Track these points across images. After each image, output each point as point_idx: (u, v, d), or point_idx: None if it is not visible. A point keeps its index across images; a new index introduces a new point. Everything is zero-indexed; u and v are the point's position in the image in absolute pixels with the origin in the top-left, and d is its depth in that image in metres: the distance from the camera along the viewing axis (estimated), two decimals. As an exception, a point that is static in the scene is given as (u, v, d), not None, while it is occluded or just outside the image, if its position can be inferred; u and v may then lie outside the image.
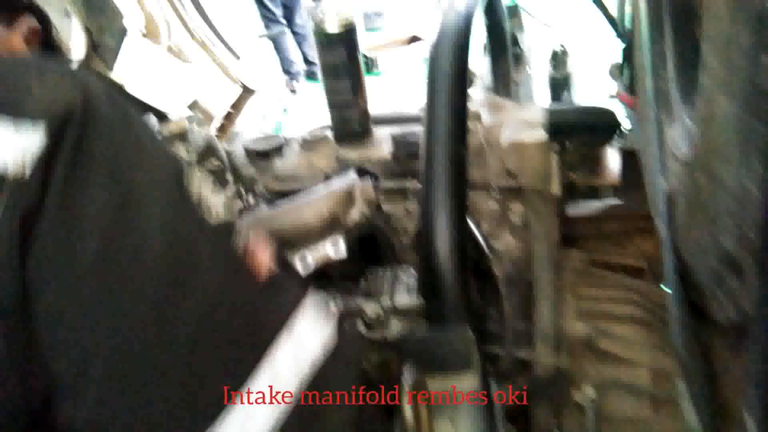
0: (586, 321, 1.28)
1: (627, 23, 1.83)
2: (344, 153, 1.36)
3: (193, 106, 2.57)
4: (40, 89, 0.55)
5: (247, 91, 2.75)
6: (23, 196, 0.52)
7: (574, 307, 1.30)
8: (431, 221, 0.97)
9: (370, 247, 1.31)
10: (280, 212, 1.18)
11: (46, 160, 0.53)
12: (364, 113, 1.36)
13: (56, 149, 0.53)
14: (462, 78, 1.08)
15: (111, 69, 2.10)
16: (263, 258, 0.68)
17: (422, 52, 6.83)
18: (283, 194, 1.41)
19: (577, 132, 1.55)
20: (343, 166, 1.36)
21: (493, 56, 1.72)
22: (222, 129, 2.81)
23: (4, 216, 0.50)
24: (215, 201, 0.69)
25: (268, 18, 5.65)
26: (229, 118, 2.81)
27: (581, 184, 1.65)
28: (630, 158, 1.57)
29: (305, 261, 1.12)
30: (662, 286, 1.52)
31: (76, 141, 0.55)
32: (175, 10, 2.46)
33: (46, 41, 0.96)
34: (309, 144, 1.40)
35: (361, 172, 1.26)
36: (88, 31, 2.01)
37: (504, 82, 1.79)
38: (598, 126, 1.50)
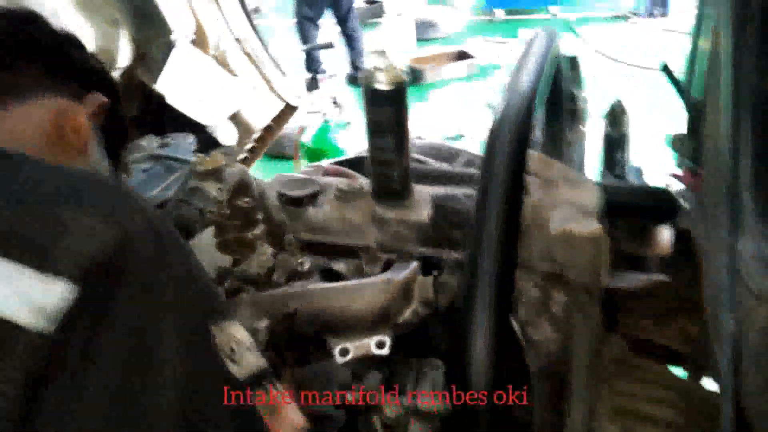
0: (621, 420, 1.19)
1: (696, 92, 1.72)
2: (381, 211, 1.29)
3: (235, 117, 2.54)
4: (73, 235, 0.50)
5: (289, 108, 2.71)
6: (40, 352, 0.47)
7: (609, 404, 1.20)
8: (472, 318, 0.90)
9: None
10: (331, 291, 1.10)
11: (69, 317, 0.48)
12: (406, 172, 1.29)
13: (81, 307, 0.49)
14: (519, 173, 1.01)
15: (155, 80, 2.08)
16: (293, 417, 0.63)
17: (470, 69, 6.73)
18: (313, 245, 1.35)
19: (632, 215, 1.46)
20: (378, 223, 1.29)
21: (548, 114, 1.63)
22: (261, 141, 2.78)
23: (14, 371, 0.45)
24: (248, 343, 0.63)
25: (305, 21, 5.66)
26: (269, 131, 2.77)
27: (628, 252, 1.55)
28: (683, 235, 1.47)
29: (345, 355, 1.04)
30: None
31: (104, 297, 0.51)
32: (227, 21, 2.43)
33: (113, 115, 0.92)
34: (345, 196, 1.34)
35: (427, 264, 1.17)
36: (135, 42, 1.99)
37: (556, 142, 1.70)
38: (654, 209, 1.41)
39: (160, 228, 0.59)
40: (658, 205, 1.38)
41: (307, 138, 3.82)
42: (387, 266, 1.21)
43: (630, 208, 1.36)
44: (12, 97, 0.76)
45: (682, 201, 1.43)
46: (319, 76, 5.02)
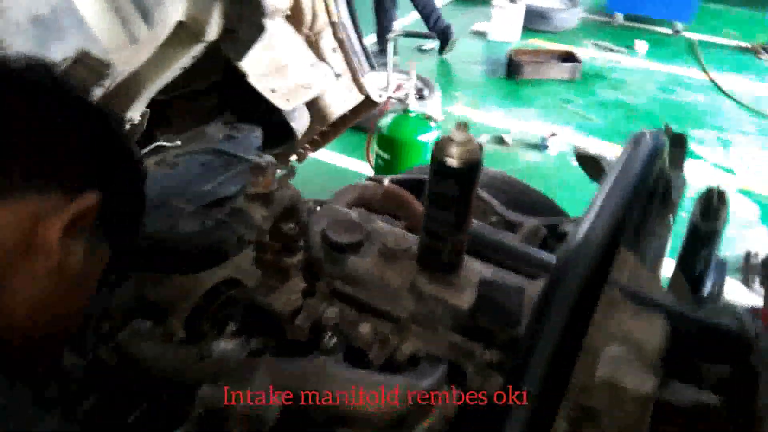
0: None
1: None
2: (421, 283, 1.20)
3: (312, 102, 2.47)
4: None
5: (370, 102, 2.62)
6: None
7: None
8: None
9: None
10: (350, 384, 1.01)
11: None
12: (458, 250, 1.19)
13: None
14: (578, 335, 0.89)
15: (240, 59, 2.03)
16: None
17: (572, 74, 6.38)
18: (344, 296, 1.28)
19: (694, 354, 1.31)
20: (415, 295, 1.20)
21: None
22: (334, 127, 2.70)
23: None
24: None
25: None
26: (344, 120, 2.69)
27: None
28: (749, 370, 1.32)
29: None
30: None
31: None
32: (326, 2, 2.33)
33: (108, 215, 0.75)
34: (389, 253, 1.25)
35: (453, 368, 1.07)
36: (227, 16, 1.93)
37: (636, 232, 1.54)
38: (722, 354, 1.25)
39: None
40: (727, 349, 1.22)
41: (384, 124, 3.71)
42: (413, 360, 1.13)
43: (696, 348, 1.21)
44: None
45: (756, 343, 1.27)
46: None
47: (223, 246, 1.18)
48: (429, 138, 3.64)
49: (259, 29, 1.90)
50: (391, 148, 3.65)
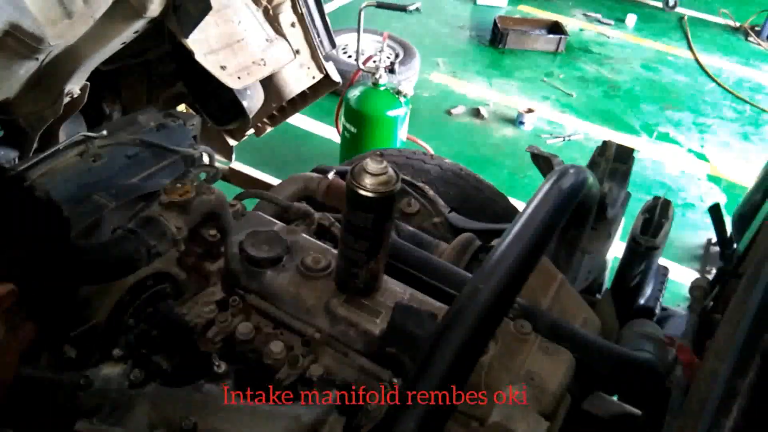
0: None
1: (740, 248, 1.51)
2: (335, 305, 1.18)
3: (269, 79, 2.39)
4: None
5: (328, 81, 2.54)
6: None
7: None
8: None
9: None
10: (236, 415, 1.02)
11: None
12: (373, 276, 1.17)
13: None
14: (481, 344, 0.89)
15: (186, 36, 1.94)
16: None
17: (558, 47, 6.26)
18: (259, 311, 1.26)
19: (606, 389, 1.32)
20: (330, 315, 1.18)
21: (567, 222, 1.45)
22: (292, 104, 2.63)
23: None
24: None
25: None
26: (303, 98, 2.62)
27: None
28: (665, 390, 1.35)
29: None
30: None
31: None
32: (286, -26, 2.23)
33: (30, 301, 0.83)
34: (308, 272, 1.23)
35: (344, 392, 1.06)
36: (171, -7, 1.83)
37: (569, 250, 1.53)
38: (632, 387, 1.27)
39: None
40: (639, 383, 1.24)
41: (352, 95, 3.63)
42: (307, 382, 1.12)
43: (608, 383, 1.22)
44: None
45: (668, 381, 1.29)
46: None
47: (129, 259, 1.14)
48: (397, 113, 3.56)
49: (206, 7, 1.81)
50: (357, 122, 3.58)
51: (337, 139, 4.20)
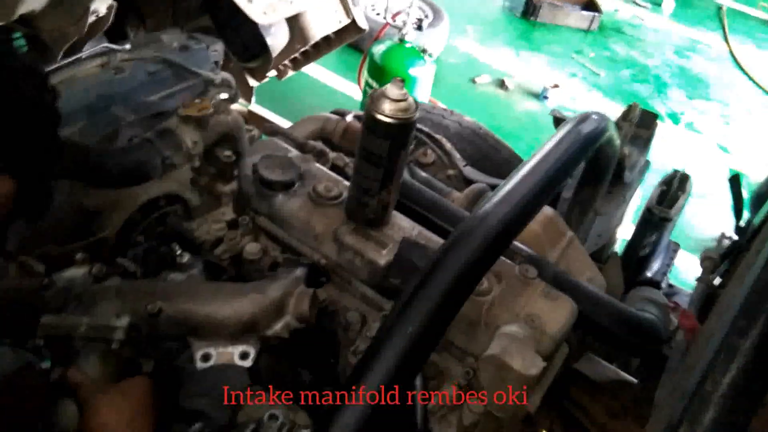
0: None
1: (756, 218, 1.49)
2: (343, 231, 1.18)
3: (294, 19, 2.36)
4: None
5: (355, 27, 2.50)
6: None
7: None
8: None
9: (310, 345, 1.18)
10: (200, 295, 1.05)
11: None
12: (384, 206, 1.16)
13: None
14: (476, 276, 0.89)
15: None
16: None
17: (591, 24, 6.12)
18: (267, 234, 1.27)
19: (608, 342, 1.32)
20: (337, 243, 1.19)
21: (586, 170, 1.43)
22: (316, 48, 2.59)
23: None
24: None
25: None
26: (327, 42, 2.58)
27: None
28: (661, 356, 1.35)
29: (207, 360, 1.01)
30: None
31: None
32: None
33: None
34: (319, 199, 1.23)
35: (312, 273, 1.11)
36: None
37: (582, 209, 1.51)
38: (632, 343, 1.26)
39: None
40: (637, 339, 1.24)
41: (377, 50, 3.58)
42: (274, 266, 1.15)
43: (607, 336, 1.22)
44: None
45: (668, 346, 1.29)
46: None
47: (143, 167, 1.14)
48: (421, 72, 3.52)
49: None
50: (380, 78, 3.54)
51: (358, 95, 4.16)
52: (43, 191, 0.91)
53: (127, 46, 1.53)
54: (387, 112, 1.01)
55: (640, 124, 1.61)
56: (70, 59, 1.46)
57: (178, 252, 1.11)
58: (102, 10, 1.92)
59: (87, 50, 1.47)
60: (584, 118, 1.13)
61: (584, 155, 1.09)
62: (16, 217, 0.95)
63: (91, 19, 1.91)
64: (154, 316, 1.00)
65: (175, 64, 1.55)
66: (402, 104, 1.02)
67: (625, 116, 1.60)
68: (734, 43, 6.54)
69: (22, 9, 1.75)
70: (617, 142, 1.31)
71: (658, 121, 1.70)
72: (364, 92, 3.82)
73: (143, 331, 1.00)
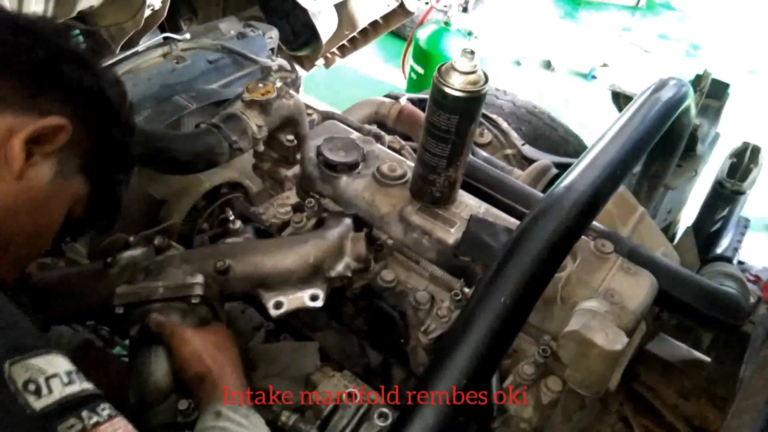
0: None
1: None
2: (409, 212, 1.17)
3: (342, 5, 2.35)
4: None
5: (403, 10, 2.48)
6: None
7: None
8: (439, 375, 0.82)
9: (378, 325, 1.18)
10: (263, 248, 1.08)
11: None
12: (451, 184, 1.14)
13: None
14: (557, 258, 0.87)
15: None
16: None
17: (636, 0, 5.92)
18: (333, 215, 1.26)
19: (688, 317, 1.27)
20: (403, 223, 1.17)
21: (653, 151, 1.37)
22: (364, 34, 2.59)
23: None
24: (63, 372, 0.61)
25: None
26: (375, 28, 2.57)
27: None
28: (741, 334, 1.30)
29: (279, 308, 1.04)
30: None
31: None
32: None
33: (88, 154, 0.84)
34: (383, 179, 1.21)
35: (358, 221, 1.14)
36: None
37: (652, 184, 1.46)
38: (716, 319, 1.21)
39: None
40: (720, 313, 1.18)
41: (422, 35, 3.54)
42: (320, 223, 1.17)
43: (686, 308, 1.17)
44: None
45: (750, 315, 1.23)
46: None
47: (212, 152, 1.16)
48: (468, 55, 3.46)
49: None
50: (425, 62, 3.51)
51: (402, 83, 4.13)
52: (116, 202, 0.94)
53: (187, 36, 1.55)
54: (456, 85, 0.99)
55: (710, 94, 1.54)
56: (131, 50, 1.49)
57: (231, 218, 1.15)
58: (157, 4, 1.96)
59: (143, 43, 1.49)
60: (663, 83, 1.08)
61: (666, 122, 1.04)
62: (89, 230, 0.98)
63: (147, 12, 1.95)
64: (223, 273, 1.03)
65: (234, 52, 1.56)
66: (472, 77, 0.99)
67: (695, 85, 1.53)
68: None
69: (81, 5, 1.80)
70: (693, 111, 1.26)
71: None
72: (410, 79, 3.79)
73: (214, 288, 1.02)
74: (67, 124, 0.77)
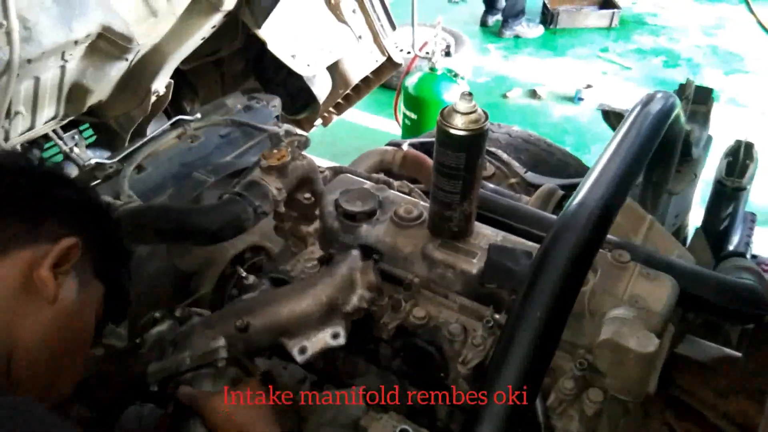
0: None
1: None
2: (431, 249, 1.23)
3: (334, 66, 2.47)
4: None
5: (391, 63, 2.60)
6: None
7: None
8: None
9: (417, 363, 1.21)
10: (277, 298, 1.13)
11: None
12: (467, 217, 1.20)
13: None
14: (580, 274, 0.92)
15: (259, 26, 2.04)
16: None
17: (612, 22, 6.13)
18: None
19: (710, 312, 1.31)
20: (426, 260, 1.23)
21: (652, 160, 1.44)
22: (357, 91, 2.70)
23: None
24: None
25: None
26: (367, 83, 2.69)
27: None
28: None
29: (304, 353, 1.09)
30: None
31: None
32: (345, -38, 2.31)
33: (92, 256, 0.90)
34: (401, 222, 1.28)
35: (365, 251, 1.19)
36: (245, -16, 1.93)
37: (656, 191, 1.52)
38: (739, 311, 1.25)
39: None
40: (742, 306, 1.22)
41: (410, 83, 3.68)
42: (328, 259, 1.22)
43: (707, 304, 1.21)
44: None
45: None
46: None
47: (239, 219, 1.23)
48: (455, 96, 3.59)
49: (278, -3, 1.91)
50: (417, 108, 3.64)
51: (397, 130, 4.25)
52: (126, 293, 1.01)
53: (198, 115, 1.64)
54: (460, 125, 1.07)
55: (696, 100, 1.62)
56: (149, 137, 1.58)
57: (243, 275, 1.20)
58: (162, 89, 2.07)
59: (152, 128, 1.59)
60: (651, 97, 1.15)
61: (660, 132, 1.11)
62: (106, 325, 1.05)
63: (153, 99, 2.07)
64: (243, 330, 1.07)
65: (243, 124, 1.66)
66: (473, 116, 1.07)
67: (681, 94, 1.61)
68: (760, 12, 6.42)
69: (91, 101, 1.91)
70: (683, 118, 1.33)
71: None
72: (404, 125, 3.91)
73: (239, 347, 1.07)
74: (77, 241, 0.83)
